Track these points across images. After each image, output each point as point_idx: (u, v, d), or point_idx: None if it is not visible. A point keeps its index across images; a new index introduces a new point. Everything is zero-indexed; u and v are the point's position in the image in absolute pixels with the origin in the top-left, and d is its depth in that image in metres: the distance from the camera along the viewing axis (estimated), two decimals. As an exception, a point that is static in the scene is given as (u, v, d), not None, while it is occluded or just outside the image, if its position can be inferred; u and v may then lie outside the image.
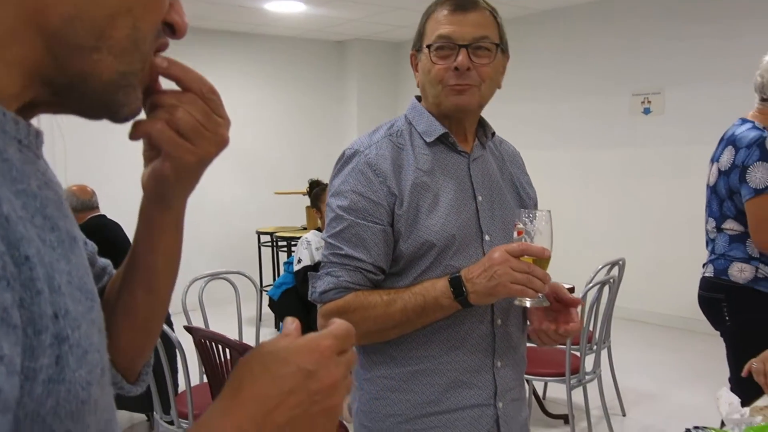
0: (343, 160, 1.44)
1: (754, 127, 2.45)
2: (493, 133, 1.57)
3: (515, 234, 1.35)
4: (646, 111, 6.04)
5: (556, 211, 5.73)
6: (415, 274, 1.40)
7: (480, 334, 1.44)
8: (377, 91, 8.04)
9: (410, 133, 1.47)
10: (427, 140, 1.45)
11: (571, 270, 5.61)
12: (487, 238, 1.44)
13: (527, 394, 4.00)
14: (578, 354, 3.46)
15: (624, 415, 4.11)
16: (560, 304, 1.43)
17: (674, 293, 5.57)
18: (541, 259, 1.30)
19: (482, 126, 1.54)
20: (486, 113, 1.53)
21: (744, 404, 1.90)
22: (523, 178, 1.62)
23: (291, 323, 0.64)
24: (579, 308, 3.28)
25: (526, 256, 1.29)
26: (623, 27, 6.10)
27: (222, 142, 0.70)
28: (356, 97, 7.97)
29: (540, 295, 1.31)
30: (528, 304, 1.34)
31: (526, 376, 3.45)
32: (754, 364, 1.90)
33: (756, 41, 4.44)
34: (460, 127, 1.48)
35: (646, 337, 5.69)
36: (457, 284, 1.32)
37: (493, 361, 1.47)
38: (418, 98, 1.53)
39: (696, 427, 1.63)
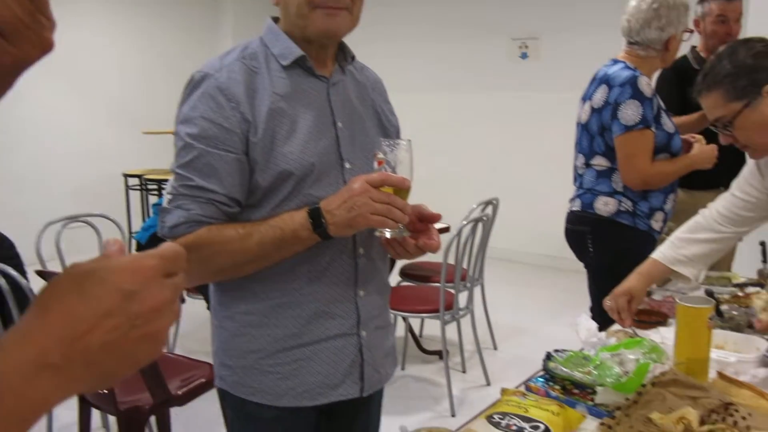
0: (192, 85, 1.34)
1: (627, 67, 2.56)
2: (353, 57, 1.52)
3: (375, 164, 1.33)
4: (524, 56, 6.19)
5: (435, 153, 5.86)
6: (273, 205, 1.35)
7: (342, 265, 1.43)
8: (252, 35, 7.76)
9: (266, 56, 1.39)
10: (283, 63, 1.38)
11: (447, 210, 5.75)
12: (347, 166, 1.42)
13: (393, 322, 4.10)
14: (452, 291, 3.57)
15: (495, 348, 4.31)
16: (422, 223, 1.43)
17: (544, 234, 5.84)
18: (402, 189, 1.30)
19: (342, 50, 1.49)
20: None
21: (601, 330, 2.03)
22: (385, 105, 1.58)
23: (113, 244, 0.57)
24: (453, 243, 3.38)
25: (386, 187, 1.28)
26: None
27: (46, 46, 0.58)
28: (231, 43, 7.68)
29: (400, 225, 1.31)
30: (388, 234, 1.34)
31: (402, 313, 3.57)
32: (608, 302, 2.02)
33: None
34: (321, 52, 1.42)
35: (517, 275, 5.97)
36: (316, 216, 1.29)
37: (356, 291, 1.46)
38: (275, 19, 1.45)
39: (556, 350, 1.72)
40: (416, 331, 4.34)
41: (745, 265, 3.00)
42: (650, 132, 2.50)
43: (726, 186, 3.20)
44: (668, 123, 2.57)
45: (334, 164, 1.40)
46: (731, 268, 3.26)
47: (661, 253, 2.06)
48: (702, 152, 2.61)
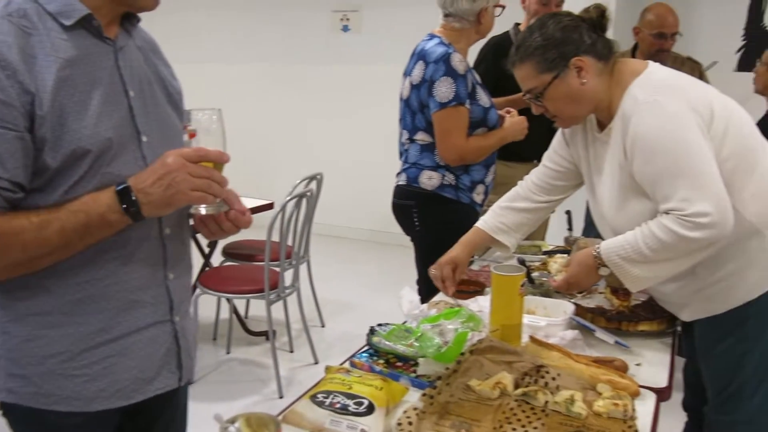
0: None
1: (441, 43, 2.64)
2: (138, 19, 1.38)
3: (186, 137, 1.26)
4: (345, 28, 6.22)
5: (255, 127, 5.72)
6: (65, 188, 1.20)
7: (149, 247, 1.34)
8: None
9: (38, 13, 1.20)
10: (65, 23, 1.21)
11: (271, 186, 5.70)
12: (144, 139, 1.31)
13: (217, 303, 4.02)
14: (278, 270, 3.54)
15: (323, 326, 4.35)
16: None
17: (370, 208, 5.95)
18: (218, 163, 1.25)
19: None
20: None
21: (424, 302, 2.10)
22: (166, 69, 1.47)
23: None
24: (277, 220, 3.33)
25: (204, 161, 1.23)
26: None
27: None
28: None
29: (218, 200, 1.27)
30: (204, 210, 1.29)
31: (226, 294, 3.48)
32: (433, 271, 2.09)
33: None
34: (109, 9, 1.28)
35: (344, 250, 6.04)
36: (126, 196, 1.19)
37: (165, 275, 1.38)
38: None
39: (380, 325, 1.75)
40: (241, 312, 4.27)
41: (554, 234, 3.23)
42: (464, 108, 2.60)
43: (539, 158, 3.45)
44: (484, 98, 2.69)
45: (130, 138, 1.28)
46: (545, 237, 3.50)
47: (483, 222, 2.17)
48: (513, 125, 2.77)
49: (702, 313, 1.83)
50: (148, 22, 1.39)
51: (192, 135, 1.25)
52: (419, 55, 2.67)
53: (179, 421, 1.60)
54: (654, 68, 1.79)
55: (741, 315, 1.76)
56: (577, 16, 1.81)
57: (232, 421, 1.12)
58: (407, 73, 2.73)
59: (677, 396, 2.14)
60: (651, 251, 1.65)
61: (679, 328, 2.01)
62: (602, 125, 1.85)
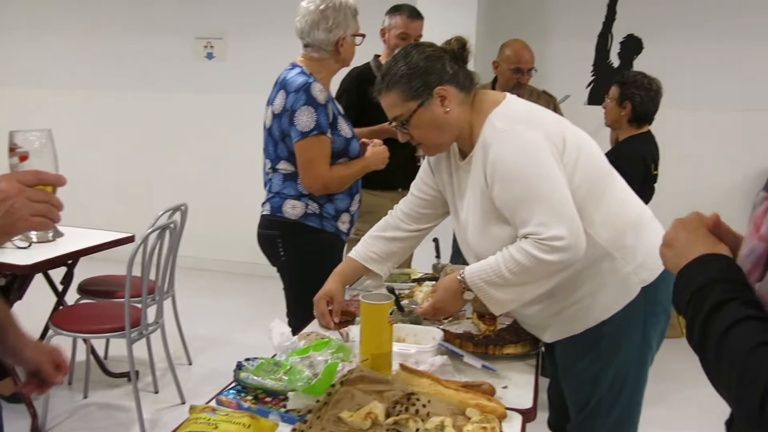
0: None
1: (302, 73, 2.65)
2: None
3: (16, 159, 1.19)
4: (209, 56, 6.12)
5: (117, 155, 5.48)
6: None
7: None
8: None
9: None
10: None
11: (134, 217, 5.47)
12: None
13: (73, 344, 3.78)
14: (139, 306, 3.39)
15: (190, 363, 4.20)
16: None
17: (237, 240, 5.83)
18: (56, 186, 1.18)
19: None
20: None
21: (295, 333, 2.07)
22: None
23: None
24: (138, 253, 3.19)
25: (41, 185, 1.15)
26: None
27: None
28: None
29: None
30: (35, 237, 1.21)
31: (83, 335, 3.28)
32: (314, 312, 2.10)
33: None
34: None
35: (211, 284, 5.88)
36: None
37: None
38: None
39: (247, 359, 1.71)
40: (101, 353, 4.05)
41: (422, 262, 3.29)
42: (326, 137, 2.62)
43: (404, 187, 3.52)
44: (345, 128, 2.72)
45: None
46: (411, 264, 3.56)
47: (355, 252, 2.19)
48: (375, 154, 2.82)
49: (562, 334, 1.92)
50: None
51: (23, 157, 1.18)
52: (281, 85, 2.67)
53: None
54: (512, 100, 1.88)
55: (596, 334, 1.87)
56: (440, 47, 1.88)
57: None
58: (270, 102, 2.73)
59: (543, 415, 2.23)
60: (512, 274, 1.72)
61: (542, 349, 2.10)
62: (464, 154, 1.92)
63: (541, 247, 1.67)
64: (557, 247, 1.66)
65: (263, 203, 2.80)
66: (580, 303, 1.85)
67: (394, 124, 1.92)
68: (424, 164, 2.16)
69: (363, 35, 2.78)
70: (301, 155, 2.61)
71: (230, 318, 5.04)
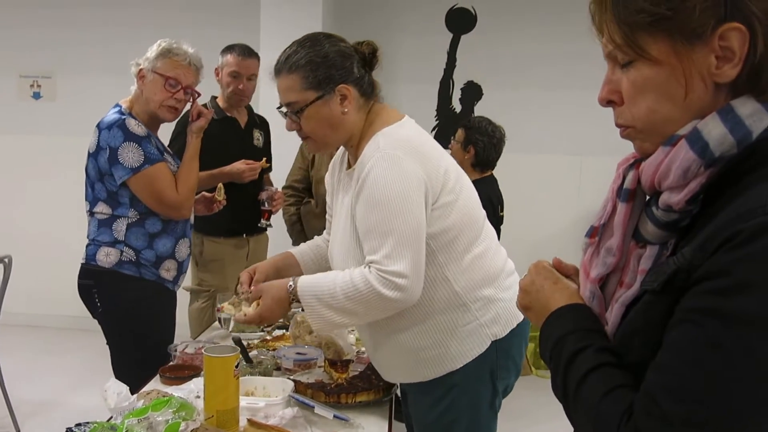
0: None
1: (118, 111, 2.57)
2: None
3: None
4: (36, 95, 5.80)
5: None
6: None
7: None
8: None
9: None
10: None
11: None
12: None
13: None
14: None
15: (18, 430, 3.86)
16: None
17: (63, 293, 5.44)
18: None
19: None
20: None
21: (134, 392, 1.95)
22: None
23: None
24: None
25: None
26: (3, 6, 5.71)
27: None
28: None
29: None
30: None
31: None
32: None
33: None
34: None
35: (37, 342, 5.45)
36: None
37: None
38: None
39: (78, 424, 1.59)
40: None
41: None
42: (162, 164, 2.54)
43: (248, 232, 3.46)
44: (173, 164, 2.67)
45: None
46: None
47: (295, 248, 2.19)
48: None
49: (410, 377, 1.91)
50: None
51: None
52: (97, 124, 2.57)
53: None
54: (408, 124, 1.86)
55: (447, 383, 1.85)
56: (352, 46, 1.84)
57: None
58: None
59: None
60: (346, 298, 1.70)
61: (398, 393, 2.10)
62: (350, 164, 1.89)
63: (382, 280, 1.66)
64: (396, 284, 1.66)
65: (83, 251, 2.66)
66: (431, 350, 1.83)
67: (284, 110, 1.85)
68: (326, 178, 2.10)
69: (166, 76, 2.55)
70: (141, 191, 2.51)
71: (61, 377, 4.69)
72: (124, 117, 2.51)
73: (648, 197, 0.97)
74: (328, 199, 2.10)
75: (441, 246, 1.77)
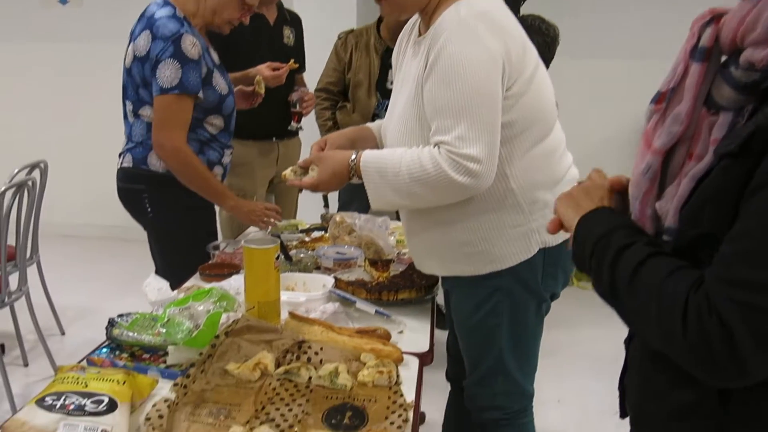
0: None
1: (174, 16, 2.36)
2: None
3: None
4: (63, 1, 5.72)
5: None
6: None
7: None
8: None
9: None
10: None
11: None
12: None
13: None
14: (-1, 273, 3.15)
15: (63, 333, 3.99)
16: None
17: (104, 201, 5.49)
18: None
19: None
20: None
21: (174, 288, 1.96)
22: None
23: None
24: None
25: None
26: None
27: None
28: None
29: None
30: None
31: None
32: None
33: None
34: None
35: (80, 250, 5.56)
36: None
37: None
38: None
39: (120, 315, 1.60)
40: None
41: (310, 213, 3.23)
42: (188, 99, 2.37)
43: (278, 136, 3.34)
44: (222, 83, 2.49)
45: None
46: (297, 215, 3.48)
47: (375, 123, 2.06)
48: (240, 207, 2.59)
49: (445, 270, 1.85)
50: None
51: None
52: (147, 22, 2.36)
53: None
54: None
55: (489, 285, 1.77)
56: None
57: None
58: (132, 38, 2.42)
59: (443, 367, 2.24)
60: (411, 179, 1.61)
61: (440, 302, 2.07)
62: (421, 33, 1.76)
63: (454, 163, 1.56)
64: (469, 169, 1.56)
65: (122, 153, 2.54)
66: (473, 246, 1.74)
67: None
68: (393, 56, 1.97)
69: None
70: (157, 112, 2.37)
71: (104, 284, 4.79)
72: (182, 32, 2.31)
73: (725, 58, 0.89)
74: (393, 77, 1.96)
75: (506, 139, 1.64)
